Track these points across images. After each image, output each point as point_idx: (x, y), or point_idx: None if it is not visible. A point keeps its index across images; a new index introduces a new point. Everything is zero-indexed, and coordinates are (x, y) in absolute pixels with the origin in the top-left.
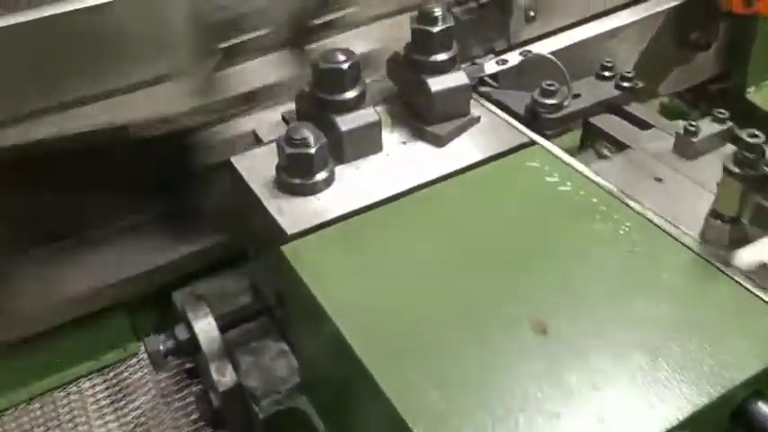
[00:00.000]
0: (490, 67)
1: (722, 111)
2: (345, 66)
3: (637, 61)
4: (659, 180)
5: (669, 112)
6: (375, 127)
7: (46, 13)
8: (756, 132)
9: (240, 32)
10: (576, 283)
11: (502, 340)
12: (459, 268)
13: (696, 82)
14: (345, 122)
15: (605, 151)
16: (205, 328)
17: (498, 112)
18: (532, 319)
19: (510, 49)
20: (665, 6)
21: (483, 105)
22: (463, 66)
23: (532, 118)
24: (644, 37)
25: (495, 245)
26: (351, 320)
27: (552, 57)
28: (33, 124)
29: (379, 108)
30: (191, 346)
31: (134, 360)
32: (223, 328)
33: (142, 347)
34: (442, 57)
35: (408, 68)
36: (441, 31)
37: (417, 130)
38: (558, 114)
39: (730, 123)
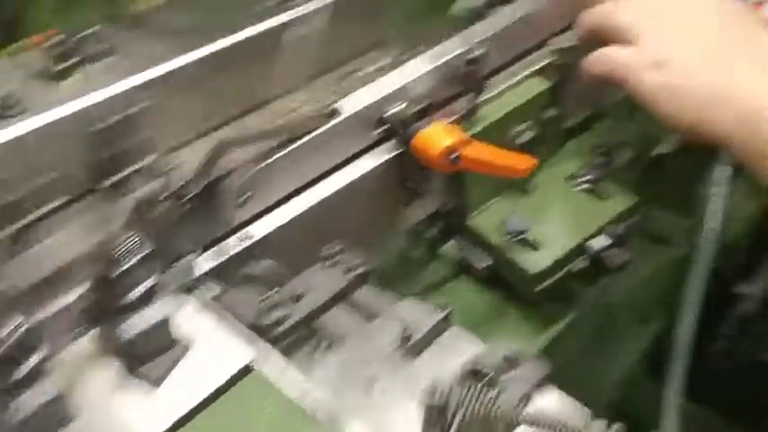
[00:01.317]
0: (205, 263)
1: (443, 304)
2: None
3: (362, 218)
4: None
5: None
6: (59, 405)
7: None
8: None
9: None
10: None
11: None
12: None
13: (421, 218)
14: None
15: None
16: None
17: (214, 326)
18: None
19: (226, 236)
20: (377, 162)
21: (199, 318)
22: (174, 266)
23: (260, 334)
24: (364, 194)
25: None
26: None
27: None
28: None
29: (76, 348)
30: None
31: None
32: None
33: None
34: (133, 295)
35: (102, 308)
36: (124, 272)
37: (126, 372)
38: (283, 328)
39: (448, 310)
